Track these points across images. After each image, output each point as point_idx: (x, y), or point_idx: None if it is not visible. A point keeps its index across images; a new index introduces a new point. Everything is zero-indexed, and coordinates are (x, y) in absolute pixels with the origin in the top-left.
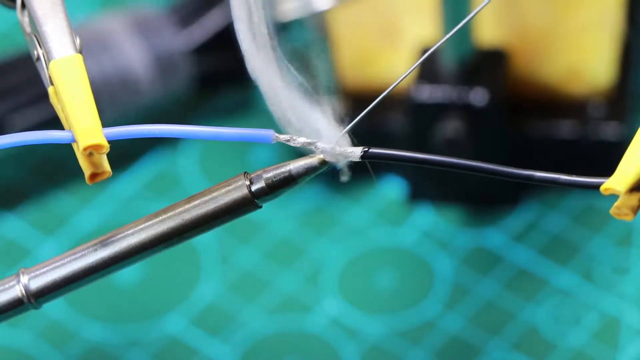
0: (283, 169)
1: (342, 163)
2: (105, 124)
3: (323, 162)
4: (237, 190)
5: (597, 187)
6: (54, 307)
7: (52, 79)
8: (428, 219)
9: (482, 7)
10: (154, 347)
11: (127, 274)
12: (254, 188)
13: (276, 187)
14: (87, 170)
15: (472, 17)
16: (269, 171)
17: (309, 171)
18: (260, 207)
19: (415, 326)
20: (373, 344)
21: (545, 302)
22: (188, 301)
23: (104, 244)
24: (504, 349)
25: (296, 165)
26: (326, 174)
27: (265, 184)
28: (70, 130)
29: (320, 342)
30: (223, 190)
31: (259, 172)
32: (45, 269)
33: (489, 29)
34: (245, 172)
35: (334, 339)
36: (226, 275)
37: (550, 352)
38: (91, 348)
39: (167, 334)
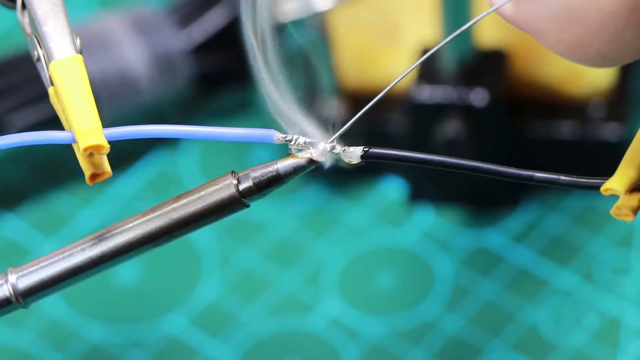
0: (270, 168)
1: (331, 162)
2: (105, 123)
3: (311, 161)
4: (224, 189)
5: (597, 187)
6: (54, 307)
7: (53, 80)
8: (428, 220)
9: (487, 14)
10: (154, 347)
11: (128, 274)
12: (241, 187)
13: (264, 187)
14: (87, 171)
15: (475, 22)
16: (257, 170)
17: (296, 170)
18: (248, 206)
19: (416, 327)
20: (373, 345)
21: (545, 302)
22: (188, 301)
23: (92, 243)
24: (504, 350)
25: (284, 164)
26: (326, 174)
27: (253, 183)
28: (70, 130)
29: (321, 342)
30: (211, 189)
31: (246, 171)
32: (33, 268)
33: (489, 29)
34: (232, 171)
35: (334, 339)
36: (226, 276)
37: (551, 353)
38: (91, 348)
39: (168, 334)
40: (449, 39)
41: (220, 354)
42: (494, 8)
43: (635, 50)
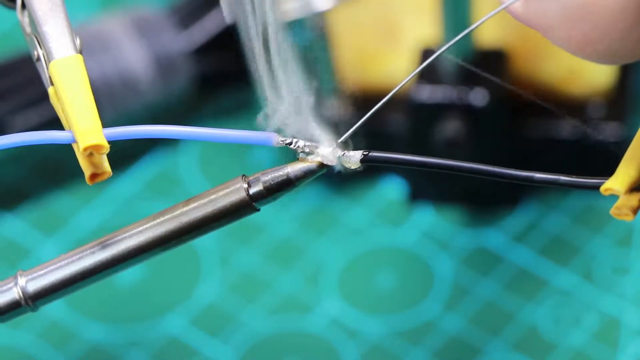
0: (281, 172)
1: (341, 166)
2: (106, 124)
3: (321, 166)
4: (235, 193)
5: (597, 187)
6: (54, 308)
7: (52, 79)
8: (428, 220)
9: (497, 12)
10: (154, 347)
11: (127, 274)
12: (252, 191)
13: (274, 191)
14: (87, 171)
15: (484, 21)
16: (267, 174)
17: (307, 174)
18: (258, 210)
19: (415, 326)
20: (373, 344)
21: (545, 302)
22: (188, 301)
23: (101, 246)
24: (503, 349)
25: (294, 168)
26: (326, 174)
27: (264, 187)
28: (70, 130)
29: (320, 342)
30: (221, 193)
31: (257, 175)
32: (42, 272)
33: (489, 29)
34: (243, 175)
35: (334, 339)
36: (226, 276)
37: (550, 352)
38: (91, 348)
39: (167, 334)
40: (457, 39)
41: (220, 354)
42: (503, 6)
43: None
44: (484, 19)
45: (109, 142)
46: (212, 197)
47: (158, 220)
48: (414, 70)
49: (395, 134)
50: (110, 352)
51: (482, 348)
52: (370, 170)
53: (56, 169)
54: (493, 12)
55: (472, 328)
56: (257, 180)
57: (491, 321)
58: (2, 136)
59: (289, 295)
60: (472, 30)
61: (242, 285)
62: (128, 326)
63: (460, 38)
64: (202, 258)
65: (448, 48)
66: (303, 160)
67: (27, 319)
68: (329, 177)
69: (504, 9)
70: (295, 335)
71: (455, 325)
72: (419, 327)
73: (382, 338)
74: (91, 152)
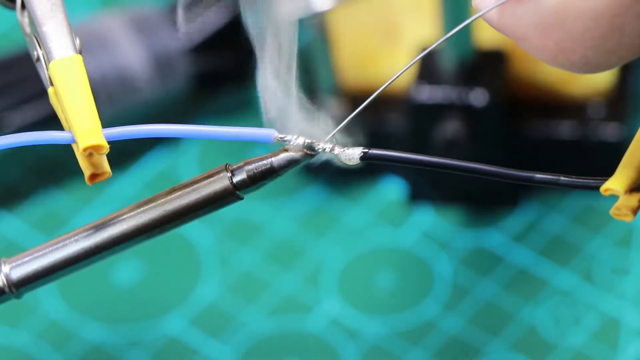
0: (265, 161)
1: (325, 157)
2: (104, 123)
3: (305, 155)
4: (218, 181)
5: (597, 187)
6: (53, 308)
7: (52, 80)
8: (428, 220)
9: (473, 20)
10: (154, 347)
11: (127, 274)
12: (235, 179)
13: (257, 179)
14: (87, 171)
15: (463, 27)
16: (251, 163)
17: (290, 163)
18: (242, 198)
19: (415, 326)
20: (373, 345)
21: (545, 302)
22: (188, 302)
23: (86, 234)
24: (503, 350)
25: (278, 157)
26: (326, 174)
27: (247, 175)
28: (70, 130)
29: (320, 342)
30: (205, 182)
31: (240, 164)
32: (26, 259)
33: (488, 29)
34: (227, 164)
35: (334, 339)
36: (226, 276)
37: (550, 353)
38: (91, 348)
39: (167, 334)
40: (440, 40)
41: (220, 354)
42: (479, 14)
43: (620, 56)
44: (462, 24)
45: (109, 142)
46: (196, 185)
47: (142, 209)
48: (404, 70)
49: (395, 134)
50: (110, 352)
51: (482, 348)
52: (370, 171)
53: (56, 169)
54: (469, 20)
55: (472, 328)
56: (241, 169)
57: (491, 321)
58: (2, 136)
59: (288, 295)
60: (464, 30)
61: (242, 286)
62: (128, 326)
63: (457, 37)
64: (202, 258)
65: (443, 46)
66: (287, 149)
67: (26, 319)
68: (329, 177)
69: (481, 16)
70: (295, 336)
71: (455, 325)
72: (419, 327)
73: (382, 338)
74: (91, 152)
